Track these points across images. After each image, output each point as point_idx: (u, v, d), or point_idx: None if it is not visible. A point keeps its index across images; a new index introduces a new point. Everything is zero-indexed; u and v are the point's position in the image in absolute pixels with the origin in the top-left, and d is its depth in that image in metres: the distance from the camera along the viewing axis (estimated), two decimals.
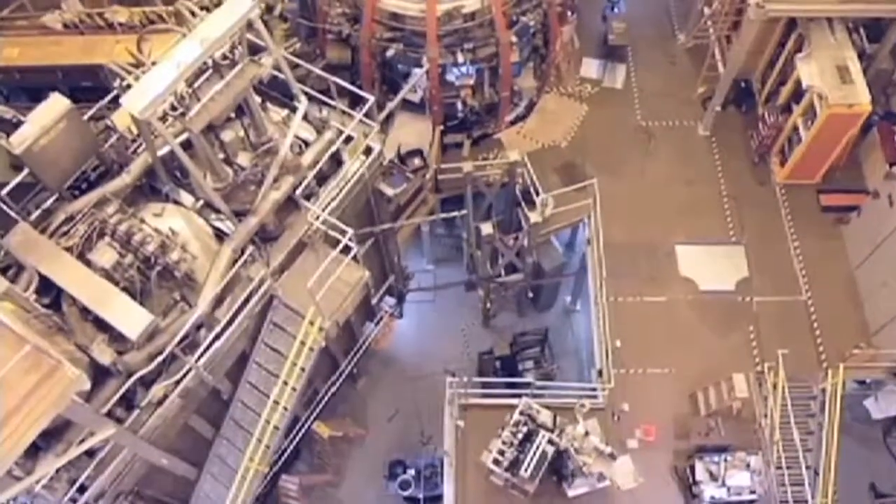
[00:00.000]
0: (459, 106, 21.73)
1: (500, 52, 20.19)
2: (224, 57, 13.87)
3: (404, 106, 21.83)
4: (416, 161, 20.92)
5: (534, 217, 19.55)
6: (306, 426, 19.60)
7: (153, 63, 13.61)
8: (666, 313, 20.09)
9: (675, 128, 23.29)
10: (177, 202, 15.41)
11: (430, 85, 20.43)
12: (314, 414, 19.81)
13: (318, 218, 14.82)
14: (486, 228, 20.14)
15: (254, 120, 15.02)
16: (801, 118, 20.43)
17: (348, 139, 16.00)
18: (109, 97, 15.10)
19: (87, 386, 11.69)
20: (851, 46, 19.68)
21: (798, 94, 20.55)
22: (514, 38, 20.34)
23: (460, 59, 20.01)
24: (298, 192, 14.93)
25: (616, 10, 24.86)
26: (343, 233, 14.59)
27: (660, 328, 19.91)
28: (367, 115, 16.03)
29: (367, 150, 16.21)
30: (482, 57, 20.24)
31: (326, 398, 19.68)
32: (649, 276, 20.51)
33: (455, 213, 19.80)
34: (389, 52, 20.08)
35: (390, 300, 21.76)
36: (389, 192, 17.31)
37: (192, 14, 13.60)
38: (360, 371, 22.41)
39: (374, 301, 19.92)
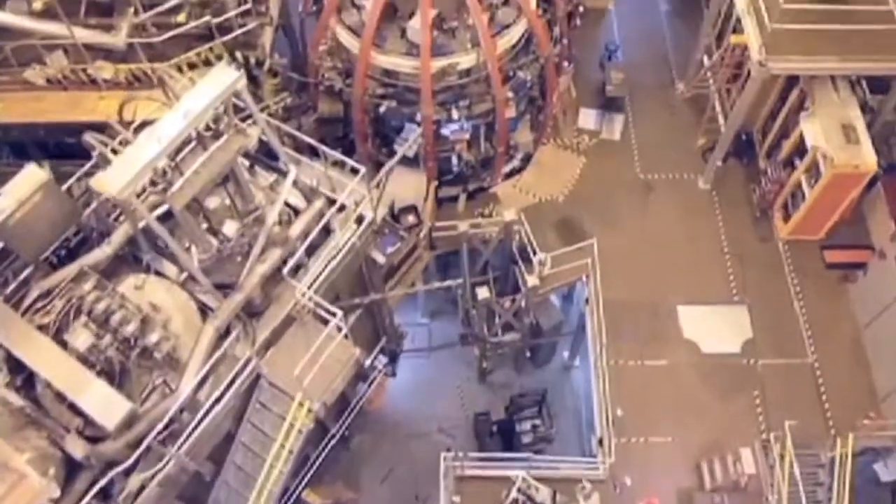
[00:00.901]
0: (454, 160, 21.23)
1: (496, 109, 19.66)
2: (208, 128, 13.32)
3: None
4: (411, 218, 20.40)
5: (531, 281, 18.96)
6: (296, 496, 18.86)
7: (135, 130, 13.15)
8: (668, 378, 19.43)
9: (675, 181, 22.73)
10: (159, 273, 14.78)
11: (424, 141, 19.87)
12: (304, 482, 19.06)
13: (305, 295, 14.17)
14: (483, 293, 19.56)
15: (240, 188, 14.44)
16: (804, 175, 19.90)
17: (340, 207, 15.43)
18: (89, 164, 14.57)
19: (56, 493, 11.00)
20: (856, 104, 19.20)
21: (801, 149, 20.05)
22: (510, 94, 19.85)
23: (455, 115, 19.50)
24: (285, 270, 14.24)
25: (613, 58, 24.43)
26: (333, 313, 13.96)
27: (662, 394, 19.24)
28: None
29: (359, 219, 15.60)
30: (478, 113, 19.74)
31: (317, 464, 18.95)
32: (650, 338, 19.87)
33: (450, 283, 19.17)
34: (382, 108, 19.53)
35: (383, 359, 21.10)
36: (381, 259, 16.66)
37: (172, 76, 13.08)
38: (353, 432, 21.67)
39: (366, 364, 19.32)
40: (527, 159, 23.04)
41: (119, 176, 11.98)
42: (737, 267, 21.15)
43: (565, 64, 22.79)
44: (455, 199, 22.28)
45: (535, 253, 19.86)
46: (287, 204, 15.36)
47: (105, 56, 18.46)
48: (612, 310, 19.83)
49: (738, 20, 19.95)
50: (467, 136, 20.32)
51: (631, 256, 21.06)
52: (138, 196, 13.10)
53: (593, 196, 22.30)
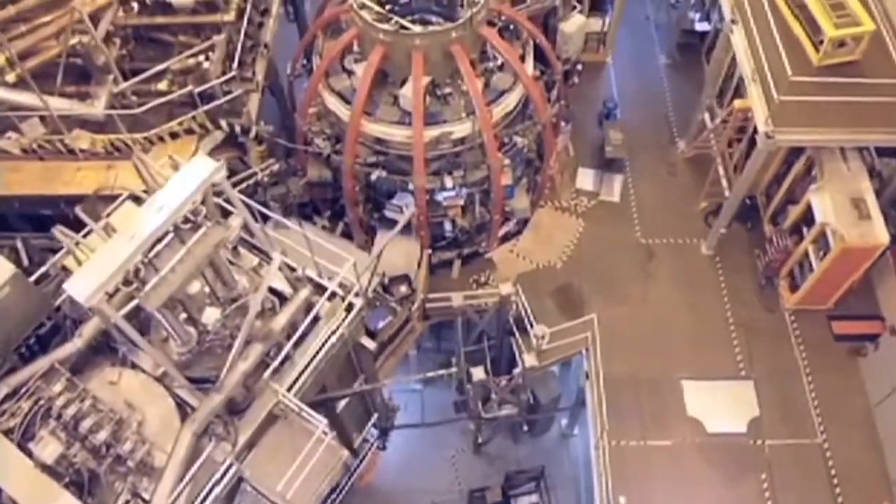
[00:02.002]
0: (448, 226, 20.45)
1: (491, 176, 18.89)
2: (186, 220, 12.51)
3: (389, 224, 20.54)
4: (403, 289, 19.56)
5: (529, 360, 18.18)
6: None
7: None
8: (672, 460, 18.47)
9: (677, 245, 21.91)
10: (135, 365, 13.94)
11: (416, 210, 19.09)
12: None
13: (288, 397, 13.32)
14: (478, 373, 18.72)
15: (220, 275, 13.63)
16: (811, 245, 19.14)
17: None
18: (59, 255, 13.82)
19: None
20: (866, 175, 18.46)
21: (807, 217, 19.30)
22: (506, 161, 19.09)
23: (449, 183, 18.73)
24: (267, 374, 13.40)
25: (612, 116, 23.74)
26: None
27: (665, 477, 18.26)
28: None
29: (348, 306, 14.77)
30: (473, 181, 18.96)
31: None
32: (653, 416, 18.95)
33: (443, 372, 18.30)
34: (373, 177, 18.74)
35: (374, 431, 20.22)
36: (371, 345, 15.79)
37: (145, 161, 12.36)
38: None
39: (356, 443, 18.52)
40: (523, 222, 22.24)
41: (89, 281, 11.14)
42: (742, 338, 20.29)
43: (563, 123, 22.08)
44: (449, 264, 21.48)
45: (532, 325, 19.10)
46: (272, 289, 14.58)
47: (82, 125, 17.64)
48: (613, 385, 19.09)
49: (741, 78, 19.36)
50: (461, 202, 19.59)
51: (632, 328, 20.23)
52: (110, 297, 12.27)
53: (592, 262, 21.48)
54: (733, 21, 19.33)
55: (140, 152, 12.69)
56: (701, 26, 25.49)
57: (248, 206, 13.85)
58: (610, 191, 22.93)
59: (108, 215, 13.28)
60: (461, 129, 17.97)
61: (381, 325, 18.71)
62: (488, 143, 18.11)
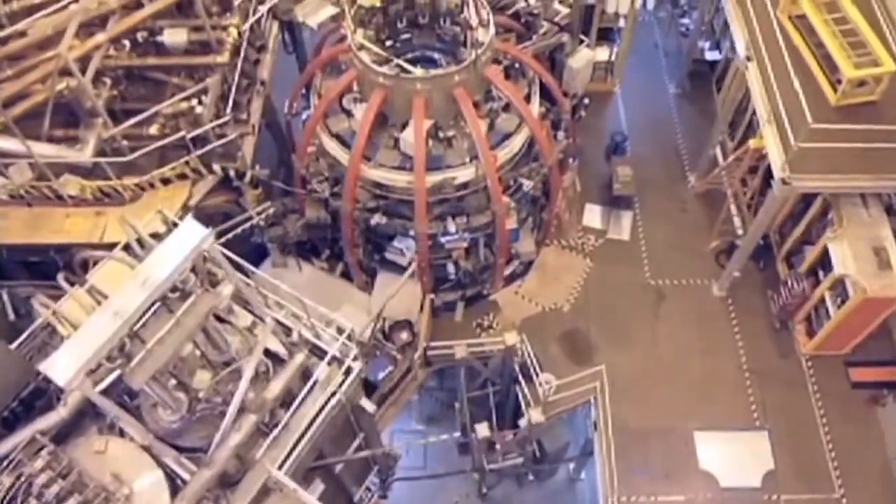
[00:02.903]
0: (451, 268, 19.75)
1: (496, 221, 18.19)
2: (174, 288, 11.85)
3: (389, 266, 19.90)
4: (404, 336, 18.93)
5: (535, 416, 17.49)
6: None
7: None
8: None
9: (688, 287, 21.20)
10: (123, 432, 13.26)
11: (418, 256, 18.41)
12: None
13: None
14: (483, 430, 17.99)
15: (211, 340, 12.95)
16: (829, 291, 18.42)
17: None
18: (37, 324, 13.22)
19: None
20: (887, 221, 17.70)
21: (824, 262, 18.59)
22: (511, 203, 18.38)
23: (452, 228, 18.04)
24: (261, 452, 12.71)
25: (620, 150, 23.06)
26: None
27: None
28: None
29: (347, 370, 14.09)
30: (477, 226, 18.23)
31: None
32: (664, 469, 18.24)
33: (446, 437, 17.63)
34: (374, 221, 18.05)
35: (374, 480, 19.51)
36: (371, 408, 15.08)
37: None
38: None
39: (357, 496, 17.85)
40: (529, 262, 21.50)
41: (68, 363, 10.51)
42: (756, 386, 19.57)
43: (570, 160, 21.37)
44: (452, 306, 20.78)
45: (537, 374, 18.43)
46: (266, 350, 13.90)
47: (71, 169, 16.97)
48: (623, 437, 18.44)
49: (755, 111, 18.71)
50: (465, 244, 18.88)
51: (642, 375, 19.56)
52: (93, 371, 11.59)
53: (600, 305, 20.78)
54: (748, 57, 18.65)
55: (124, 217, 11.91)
56: (711, 55, 24.80)
57: (240, 267, 13.25)
58: (618, 229, 22.22)
59: (97, 263, 12.54)
60: (465, 175, 17.28)
61: (381, 376, 18.07)
62: (493, 187, 17.41)
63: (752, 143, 18.88)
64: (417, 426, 23.26)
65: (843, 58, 17.16)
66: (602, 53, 24.11)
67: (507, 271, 21.12)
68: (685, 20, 26.71)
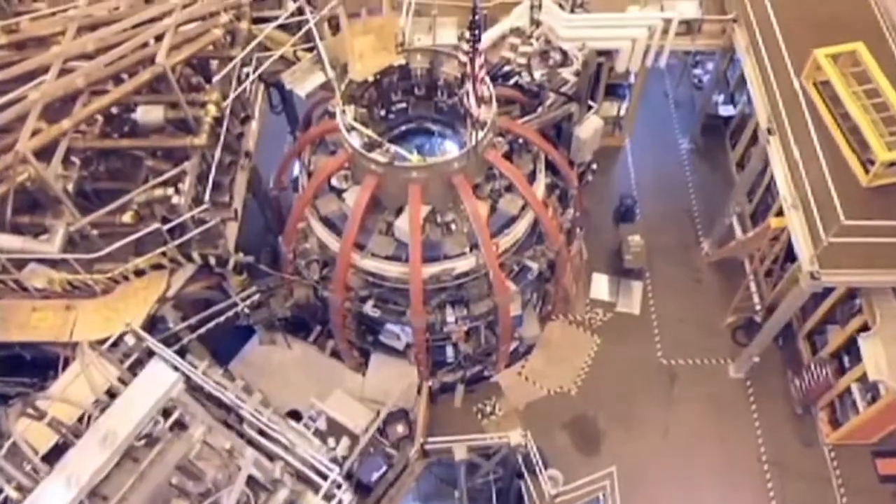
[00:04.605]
0: (450, 351, 18.44)
1: (498, 310, 16.86)
2: (139, 436, 10.59)
3: (383, 348, 18.61)
4: (400, 429, 17.51)
5: None
6: None
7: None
8: None
9: (703, 367, 19.85)
10: None
11: (415, 346, 17.09)
12: None
13: None
14: None
15: (185, 471, 11.62)
16: (856, 383, 17.11)
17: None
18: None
19: None
20: None
21: (850, 348, 17.30)
22: (514, 287, 17.05)
23: (451, 318, 16.70)
24: None
25: (629, 214, 21.73)
26: None
27: None
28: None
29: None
30: (478, 314, 16.89)
31: None
32: None
33: None
34: (366, 309, 16.72)
35: None
36: None
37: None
38: None
39: None
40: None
41: None
42: (776, 478, 18.22)
43: (577, 229, 20.01)
44: (451, 388, 19.47)
45: (542, 471, 17.10)
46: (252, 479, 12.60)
47: (39, 259, 15.60)
48: None
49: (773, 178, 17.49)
50: (465, 328, 17.55)
51: (654, 466, 18.27)
52: None
53: (609, 388, 19.45)
54: (769, 131, 17.32)
55: (87, 346, 10.62)
56: (725, 110, 23.50)
57: (220, 402, 12.01)
58: (628, 301, 20.85)
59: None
60: (464, 264, 15.94)
61: (375, 476, 16.73)
62: (495, 277, 16.08)
63: (773, 222, 17.55)
64: None
65: (874, 137, 15.83)
66: (610, 108, 22.79)
67: (510, 348, 19.78)
68: (697, 70, 25.35)
